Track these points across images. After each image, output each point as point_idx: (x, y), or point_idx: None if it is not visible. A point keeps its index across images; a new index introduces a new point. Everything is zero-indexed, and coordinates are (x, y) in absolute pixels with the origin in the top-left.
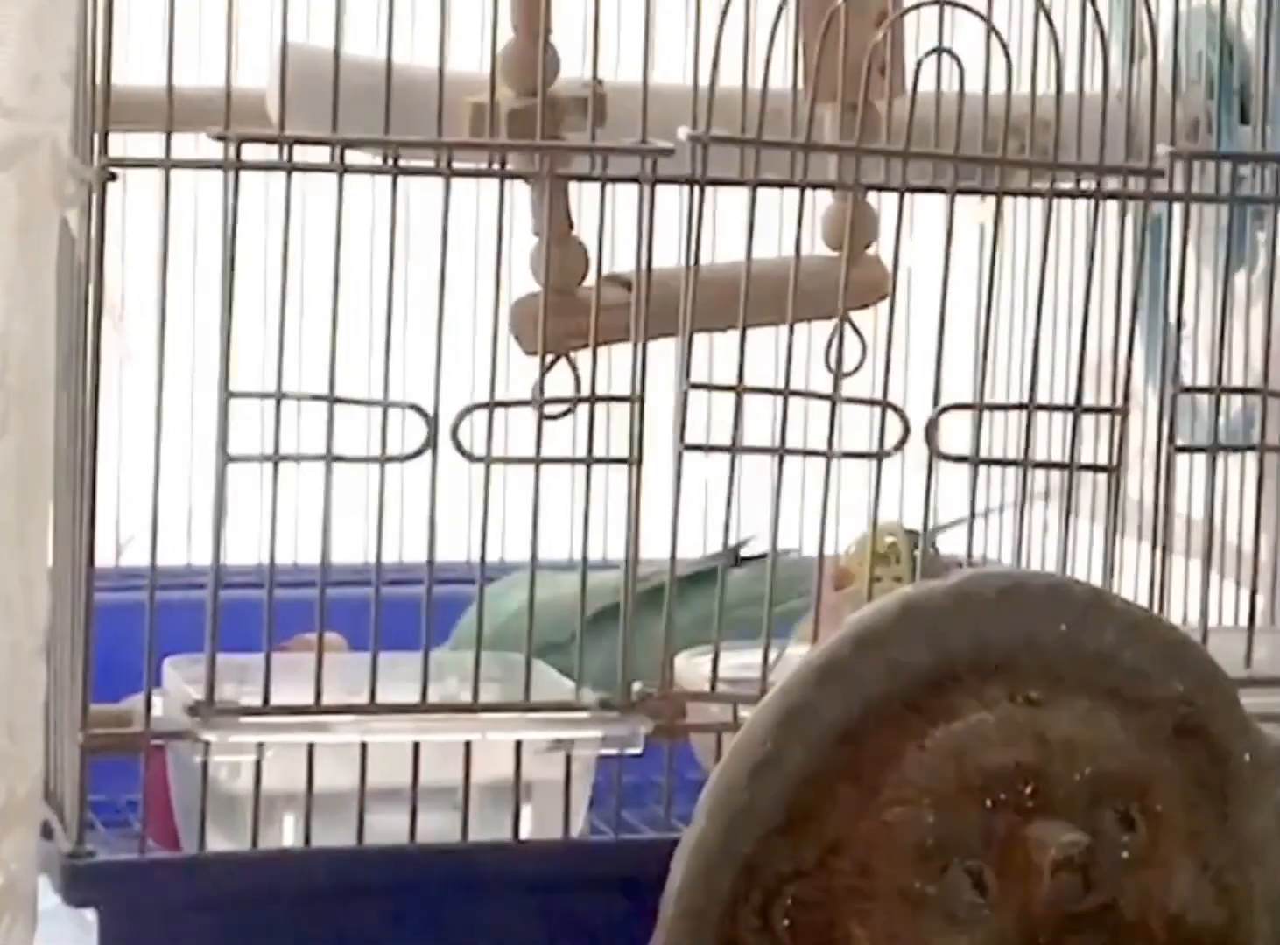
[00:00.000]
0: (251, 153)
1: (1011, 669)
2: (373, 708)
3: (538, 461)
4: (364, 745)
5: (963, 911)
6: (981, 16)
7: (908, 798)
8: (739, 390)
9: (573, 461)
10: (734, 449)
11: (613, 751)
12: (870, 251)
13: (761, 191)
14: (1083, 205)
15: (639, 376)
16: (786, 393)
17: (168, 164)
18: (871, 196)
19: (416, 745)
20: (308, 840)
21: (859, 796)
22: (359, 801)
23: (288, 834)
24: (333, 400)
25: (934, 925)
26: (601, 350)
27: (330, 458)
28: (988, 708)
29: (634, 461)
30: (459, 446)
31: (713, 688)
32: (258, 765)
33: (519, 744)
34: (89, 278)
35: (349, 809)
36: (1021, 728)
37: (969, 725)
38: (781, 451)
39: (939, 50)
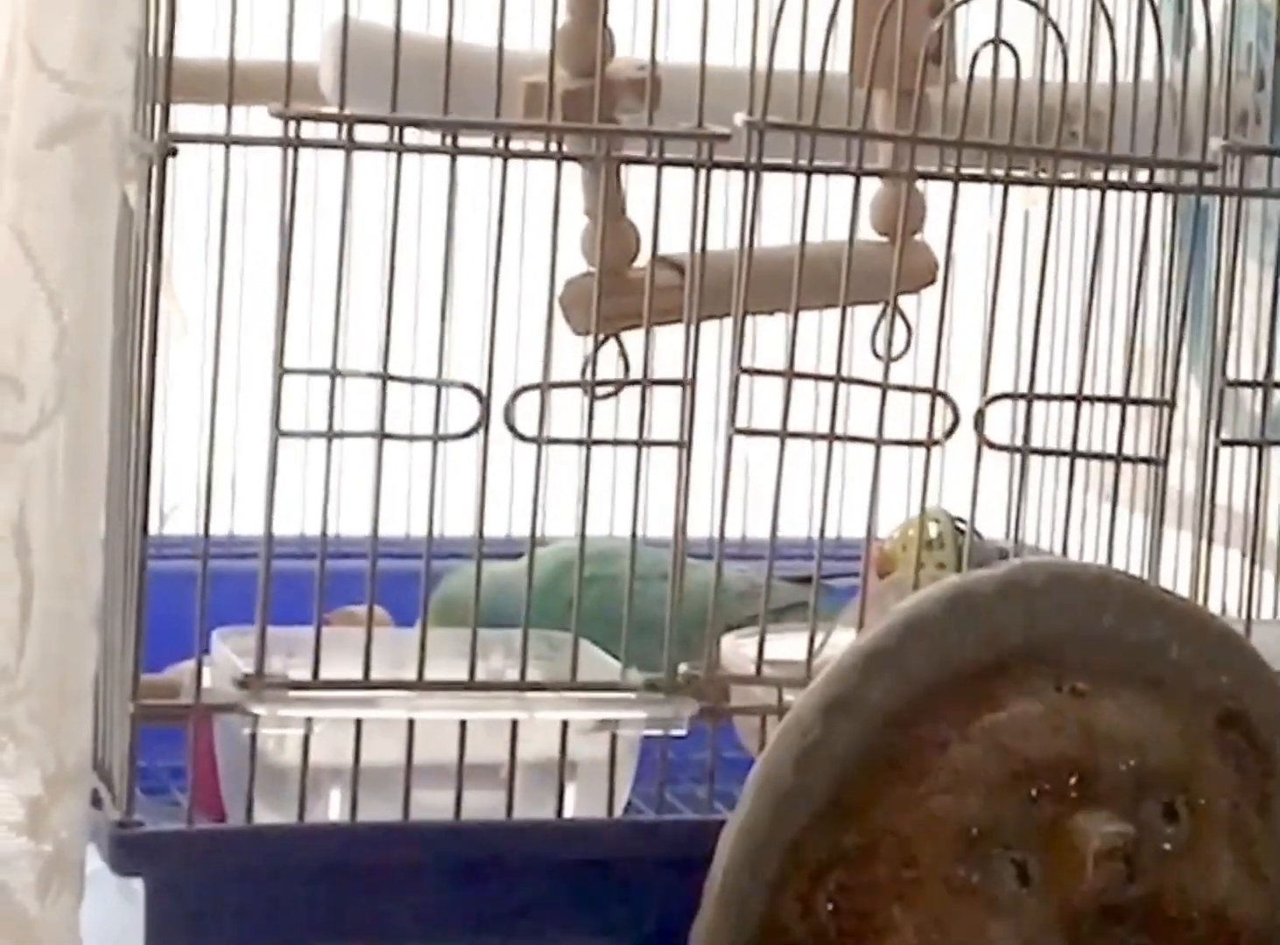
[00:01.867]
0: (307, 129)
1: (1058, 659)
2: (421, 684)
3: (588, 442)
4: (411, 721)
5: (1006, 900)
6: (1037, 6)
7: (953, 786)
8: (789, 376)
9: (624, 443)
10: (783, 434)
11: (657, 732)
12: (917, 238)
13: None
14: (1126, 197)
15: (691, 360)
16: (838, 379)
17: (228, 140)
18: (918, 182)
19: (463, 722)
20: (354, 815)
21: (904, 784)
22: (405, 777)
23: (334, 808)
24: (386, 378)
25: (977, 913)
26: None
27: (382, 435)
28: (1034, 698)
29: (683, 444)
30: (511, 427)
31: (758, 671)
32: (305, 739)
33: (565, 723)
34: (147, 251)
35: (395, 784)
36: (1067, 718)
37: (1015, 715)
38: (831, 437)
39: (995, 41)
